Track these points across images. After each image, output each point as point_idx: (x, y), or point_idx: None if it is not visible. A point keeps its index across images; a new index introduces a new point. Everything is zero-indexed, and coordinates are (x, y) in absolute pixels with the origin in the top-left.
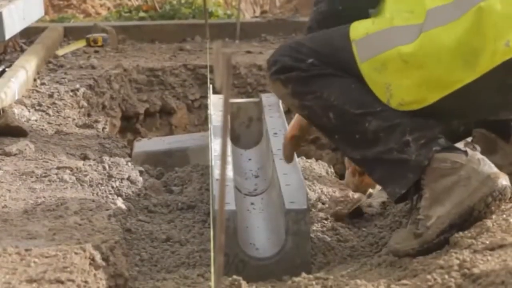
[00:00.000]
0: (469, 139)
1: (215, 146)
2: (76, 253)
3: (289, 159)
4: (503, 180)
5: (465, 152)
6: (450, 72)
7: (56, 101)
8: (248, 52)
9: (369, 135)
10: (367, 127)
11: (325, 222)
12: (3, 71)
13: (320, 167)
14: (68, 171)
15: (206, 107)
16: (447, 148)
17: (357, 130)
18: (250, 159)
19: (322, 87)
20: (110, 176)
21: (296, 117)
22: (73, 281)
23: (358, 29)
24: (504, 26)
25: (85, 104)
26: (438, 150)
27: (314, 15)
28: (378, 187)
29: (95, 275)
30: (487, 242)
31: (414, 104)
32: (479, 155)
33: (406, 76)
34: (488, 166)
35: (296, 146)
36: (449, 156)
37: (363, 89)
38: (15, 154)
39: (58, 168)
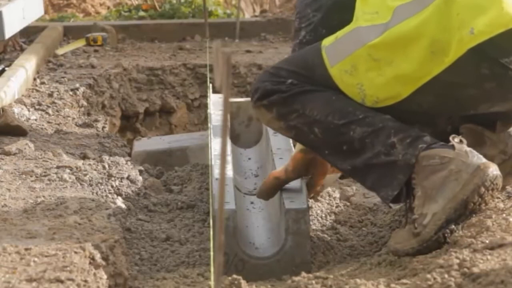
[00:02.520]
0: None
1: (215, 145)
2: (75, 252)
3: (264, 197)
4: (494, 170)
5: (452, 146)
6: (419, 65)
7: (56, 100)
8: (248, 51)
9: (356, 144)
10: (352, 136)
11: (325, 221)
12: (3, 70)
13: None
14: (67, 170)
15: (205, 106)
16: (433, 144)
17: (343, 140)
18: (249, 158)
19: (304, 104)
20: (109, 175)
21: (289, 161)
22: (72, 280)
23: (330, 36)
24: (467, 14)
25: (85, 103)
26: (424, 147)
27: (298, 46)
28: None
29: (94, 274)
30: (487, 241)
31: (389, 100)
32: (466, 148)
33: (379, 73)
34: (477, 157)
35: (277, 187)
36: (437, 151)
37: (343, 99)
38: (14, 154)
39: (57, 167)
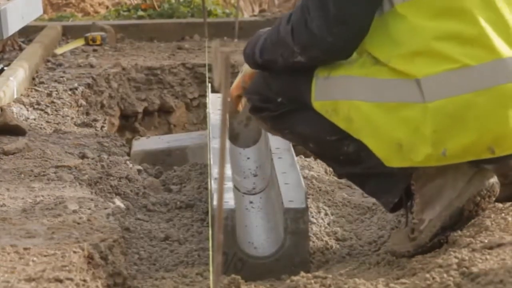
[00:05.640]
0: None
1: (214, 145)
2: (74, 252)
3: (235, 113)
4: (490, 178)
5: None
6: (383, 150)
7: (55, 100)
8: None
9: (352, 156)
10: (347, 150)
11: (324, 220)
12: (2, 70)
13: (319, 166)
14: (66, 169)
15: (204, 106)
16: None
17: (339, 153)
18: (248, 158)
19: (294, 123)
20: (108, 175)
21: (241, 75)
22: (71, 279)
23: (326, 66)
24: (444, 132)
25: (84, 103)
26: None
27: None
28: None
29: (93, 273)
30: (486, 241)
31: None
32: None
33: (351, 131)
34: (475, 165)
35: (240, 102)
36: None
37: None
38: (13, 153)
39: (56, 166)
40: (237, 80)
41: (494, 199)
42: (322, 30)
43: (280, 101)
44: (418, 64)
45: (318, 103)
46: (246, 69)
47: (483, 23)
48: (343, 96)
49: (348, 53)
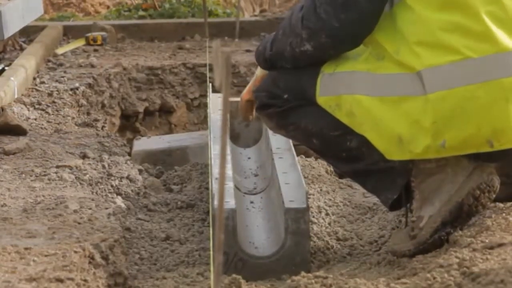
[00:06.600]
0: None
1: (215, 144)
2: (75, 252)
3: (247, 119)
4: (490, 172)
5: None
6: (384, 144)
7: (56, 100)
8: (248, 50)
9: (354, 152)
10: (349, 145)
11: (325, 220)
12: (3, 69)
13: (320, 166)
14: (67, 169)
15: (205, 106)
16: None
17: (341, 149)
18: (249, 158)
19: (299, 119)
20: (109, 175)
21: (252, 80)
22: (72, 279)
23: (332, 61)
24: (444, 125)
25: (85, 102)
26: None
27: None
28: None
29: (94, 273)
30: (487, 240)
31: None
32: None
33: (353, 126)
34: (474, 160)
35: (252, 108)
36: None
37: None
38: (14, 153)
39: (57, 166)
40: (248, 86)
41: (494, 195)
42: (329, 15)
43: (286, 97)
44: (422, 55)
45: (322, 99)
46: (257, 73)
47: (486, 16)
48: (346, 91)
49: (354, 41)
